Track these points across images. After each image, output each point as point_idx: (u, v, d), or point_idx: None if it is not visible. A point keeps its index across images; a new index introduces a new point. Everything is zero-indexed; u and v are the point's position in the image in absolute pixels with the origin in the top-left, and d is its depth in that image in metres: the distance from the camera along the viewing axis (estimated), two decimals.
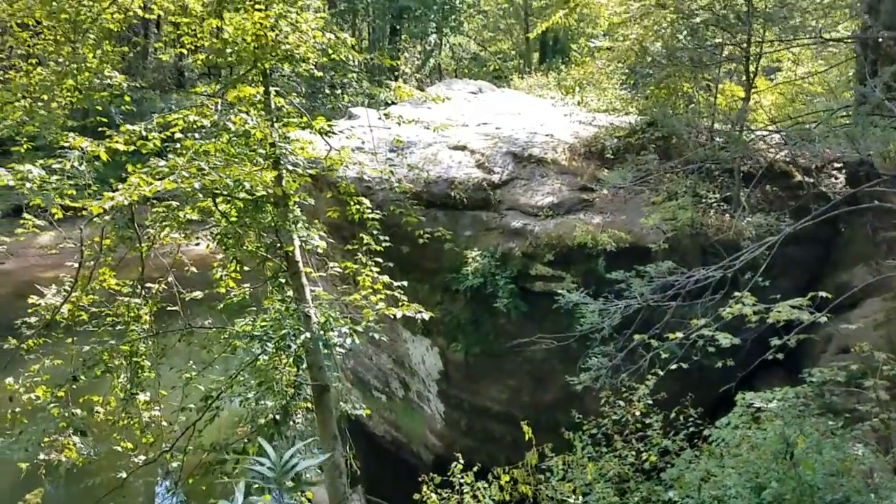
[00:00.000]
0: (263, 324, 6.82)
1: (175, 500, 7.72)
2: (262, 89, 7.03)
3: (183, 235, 7.50)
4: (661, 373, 6.07)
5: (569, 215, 9.58)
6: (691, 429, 6.08)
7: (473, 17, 34.65)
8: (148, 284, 7.44)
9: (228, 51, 6.78)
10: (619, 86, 11.91)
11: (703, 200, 8.94)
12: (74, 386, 6.79)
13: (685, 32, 9.91)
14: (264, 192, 6.67)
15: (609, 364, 6.63)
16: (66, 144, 6.00)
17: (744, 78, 9.34)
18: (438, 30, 32.25)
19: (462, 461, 6.14)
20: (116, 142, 5.91)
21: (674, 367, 5.93)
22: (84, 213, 5.69)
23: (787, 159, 10.05)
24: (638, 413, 6.12)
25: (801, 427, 4.91)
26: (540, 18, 23.64)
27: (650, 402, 6.24)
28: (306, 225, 7.13)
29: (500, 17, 34.74)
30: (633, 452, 5.95)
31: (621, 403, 6.28)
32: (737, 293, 5.47)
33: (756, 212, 8.79)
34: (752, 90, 9.40)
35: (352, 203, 7.41)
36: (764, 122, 10.00)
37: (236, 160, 6.45)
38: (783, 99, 10.71)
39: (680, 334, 5.74)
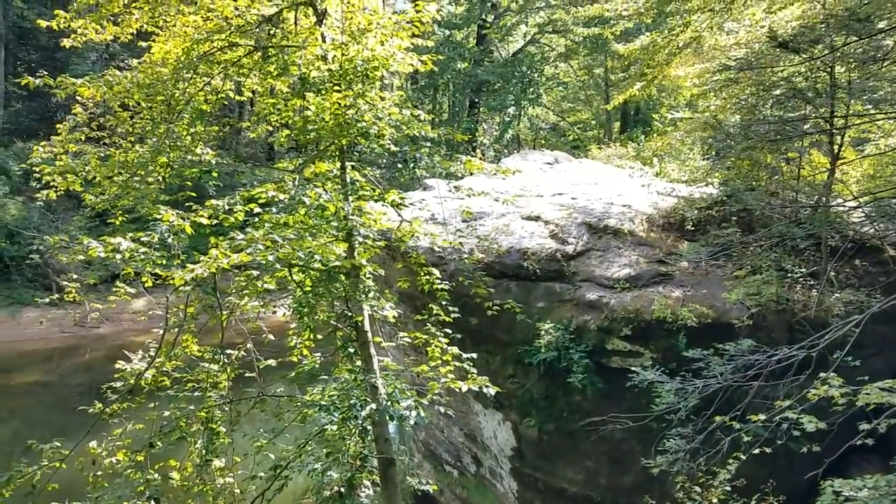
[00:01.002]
0: (331, 394, 6.86)
1: None
2: (338, 164, 7.29)
3: (261, 304, 7.72)
4: (743, 457, 5.70)
5: (647, 288, 9.33)
6: None
7: (552, 88, 35.16)
8: (228, 351, 7.65)
9: (309, 128, 7.11)
10: (700, 157, 11.72)
11: (789, 275, 8.55)
12: (153, 450, 6.97)
13: (769, 104, 9.72)
14: (337, 263, 6.83)
15: (686, 447, 6.29)
16: (157, 217, 6.36)
17: (831, 149, 9.03)
18: (517, 102, 32.87)
19: None
20: (201, 216, 6.23)
21: (756, 451, 5.57)
22: (172, 281, 5.97)
23: (878, 234, 9.55)
24: (716, 501, 5.74)
25: None
26: (619, 90, 23.76)
27: (728, 488, 5.85)
28: (377, 295, 7.22)
29: (579, 89, 35.15)
30: None
31: (698, 489, 5.92)
32: (822, 374, 5.13)
33: (845, 287, 8.33)
34: (839, 162, 9.05)
35: (422, 273, 7.48)
36: (852, 194, 9.58)
37: (312, 232, 6.68)
38: (873, 171, 10.25)
39: (763, 416, 5.41)
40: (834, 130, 8.82)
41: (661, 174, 11.75)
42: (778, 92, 9.07)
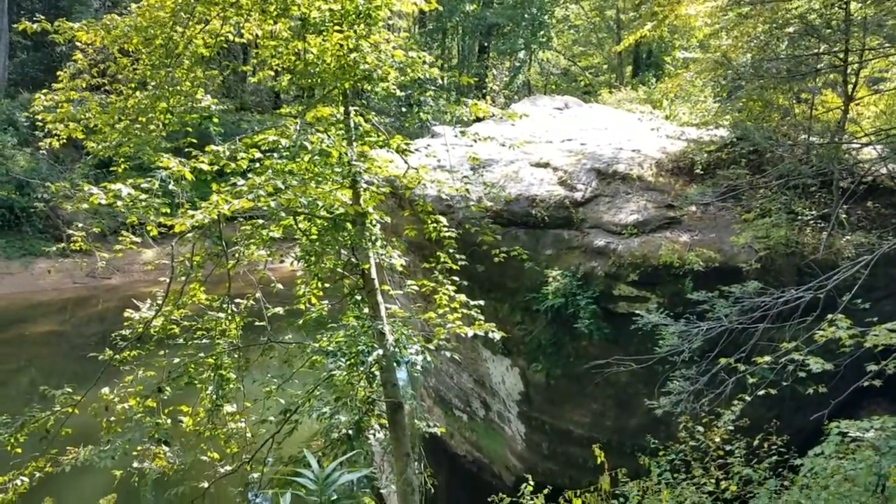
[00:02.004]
0: (339, 340, 6.91)
1: None
2: (342, 109, 7.17)
3: (268, 253, 7.71)
4: (748, 398, 5.72)
5: (654, 234, 9.25)
6: (775, 458, 5.69)
7: (563, 32, 34.40)
8: (237, 300, 7.69)
9: (311, 72, 6.97)
10: (712, 98, 11.47)
11: (799, 218, 8.42)
12: (165, 397, 7.06)
13: (782, 42, 9.44)
14: (342, 211, 6.78)
15: (690, 388, 6.31)
16: (160, 165, 6.31)
17: (844, 88, 8.79)
18: (527, 46, 32.19)
19: (541, 485, 5.99)
20: (201, 162, 6.16)
21: (761, 393, 5.58)
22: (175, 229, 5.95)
23: (891, 174, 9.37)
24: (718, 439, 5.78)
25: None
26: (630, 31, 23.23)
27: (732, 428, 5.88)
28: (384, 243, 7.19)
29: (591, 32, 34.38)
30: (713, 481, 5.62)
31: (700, 429, 5.96)
32: (830, 316, 5.09)
33: (856, 229, 8.21)
34: (853, 101, 8.81)
35: (429, 221, 7.42)
36: (865, 133, 9.36)
37: (318, 179, 6.61)
38: (887, 110, 10.00)
39: (768, 358, 5.40)
40: (848, 68, 8.57)
41: (671, 117, 11.53)
42: (791, 29, 8.80)
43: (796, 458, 5.64)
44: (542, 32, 31.24)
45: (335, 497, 3.69)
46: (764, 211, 8.62)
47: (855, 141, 8.97)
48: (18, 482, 6.21)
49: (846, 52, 8.51)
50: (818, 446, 5.42)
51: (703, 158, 9.90)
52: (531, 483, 5.94)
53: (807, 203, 8.72)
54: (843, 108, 8.88)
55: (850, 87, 8.75)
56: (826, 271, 6.90)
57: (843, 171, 8.67)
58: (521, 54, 33.29)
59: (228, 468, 7.38)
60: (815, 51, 9.20)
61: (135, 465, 7.07)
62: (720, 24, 9.56)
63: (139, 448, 7.06)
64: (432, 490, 7.64)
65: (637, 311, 7.90)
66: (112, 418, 6.93)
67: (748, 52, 9.45)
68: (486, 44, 32.96)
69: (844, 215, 8.49)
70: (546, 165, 10.69)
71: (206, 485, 7.07)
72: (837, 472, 5.05)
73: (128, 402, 6.97)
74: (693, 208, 9.28)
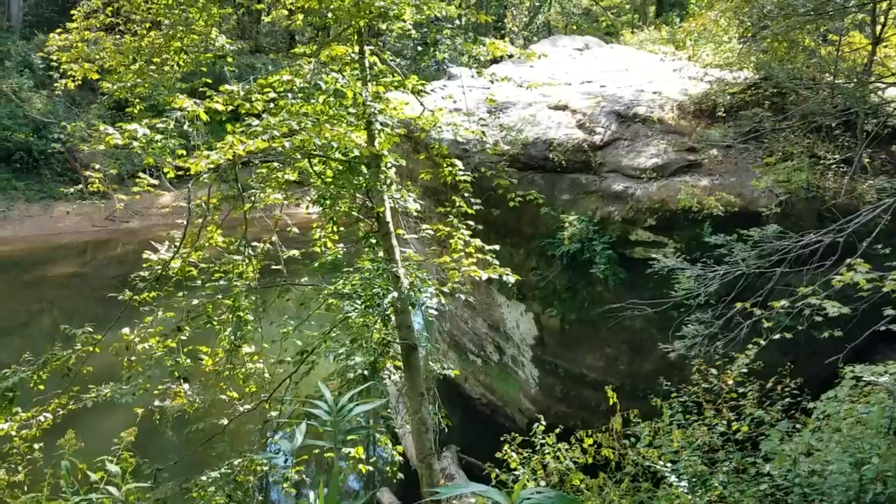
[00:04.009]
0: (354, 283, 6.95)
1: (274, 447, 8.10)
2: (357, 48, 7.05)
3: (283, 196, 7.71)
4: (763, 342, 5.71)
5: (674, 178, 9.11)
6: (787, 401, 5.72)
7: None
8: (254, 243, 7.73)
9: (324, 9, 6.83)
10: (736, 39, 11.13)
11: (821, 162, 8.25)
12: (184, 337, 7.18)
13: None
14: (357, 154, 6.73)
15: (705, 332, 6.30)
16: (175, 106, 6.26)
17: (873, 29, 8.49)
18: None
19: (554, 426, 6.07)
20: (216, 102, 6.10)
21: (777, 337, 5.56)
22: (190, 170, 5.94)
23: None
24: (731, 382, 5.80)
25: None
26: None
27: (745, 371, 5.90)
28: (398, 186, 7.15)
29: None
30: (725, 422, 5.67)
31: (714, 372, 5.98)
32: (849, 260, 5.03)
33: (879, 174, 8.04)
34: (881, 43, 8.52)
35: (444, 165, 7.36)
36: (892, 74, 9.07)
37: (332, 121, 6.54)
38: None
39: (784, 302, 5.36)
40: (877, 8, 8.26)
41: (694, 58, 11.23)
42: None
43: (809, 401, 5.67)
44: None
45: (349, 427, 3.76)
46: (786, 154, 8.45)
47: (881, 82, 8.70)
48: (42, 418, 6.40)
49: None
50: (832, 390, 5.43)
51: (726, 100, 9.67)
52: (543, 423, 6.02)
53: (829, 146, 8.54)
54: (870, 49, 8.59)
55: (878, 27, 8.45)
56: (846, 216, 6.79)
57: (867, 113, 8.44)
58: None
59: (247, 406, 7.54)
60: None
61: (155, 403, 7.23)
62: None
63: (160, 386, 7.22)
64: (446, 430, 7.78)
65: (654, 257, 7.85)
66: (132, 357, 7.06)
67: None
68: None
69: (867, 159, 8.31)
70: (564, 108, 10.51)
71: (225, 422, 7.24)
72: (850, 415, 5.07)
73: (148, 341, 7.09)
74: (714, 151, 9.12)
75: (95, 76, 7.53)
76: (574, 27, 33.77)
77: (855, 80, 8.48)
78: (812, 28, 8.98)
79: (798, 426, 5.55)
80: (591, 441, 5.57)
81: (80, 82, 7.84)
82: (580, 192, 9.64)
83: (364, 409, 4.01)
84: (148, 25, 8.02)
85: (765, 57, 9.54)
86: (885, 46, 9.54)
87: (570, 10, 35.77)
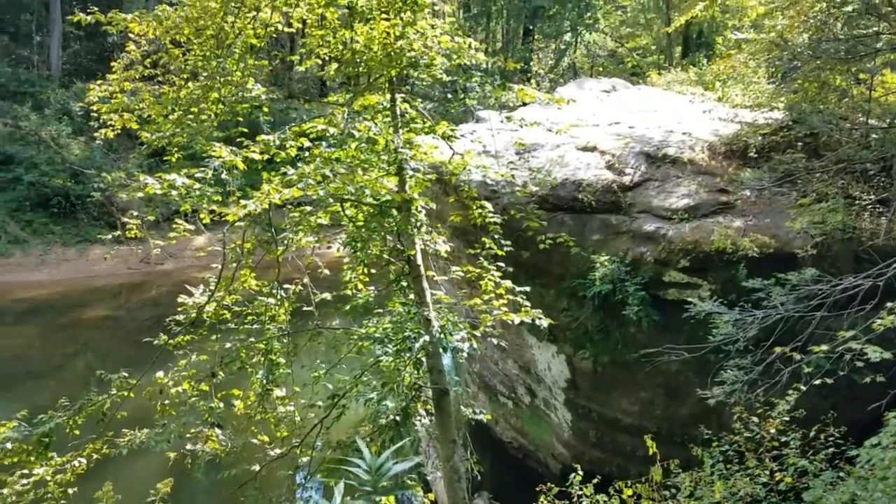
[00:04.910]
0: (386, 326, 6.95)
1: (304, 494, 8.03)
2: (388, 96, 7.18)
3: (316, 239, 7.78)
4: (804, 388, 5.57)
5: (706, 219, 9.04)
6: (832, 449, 5.55)
7: (610, 13, 33.76)
8: (286, 286, 7.79)
9: (358, 60, 6.98)
10: (766, 80, 11.12)
11: (857, 202, 8.13)
12: (216, 381, 7.21)
13: (841, 22, 9.08)
14: (388, 198, 6.80)
15: (745, 378, 6.17)
16: (212, 154, 6.41)
17: None
18: (573, 28, 31.71)
19: (589, 473, 5.95)
20: (253, 151, 6.24)
21: (817, 382, 5.43)
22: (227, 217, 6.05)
23: None
24: (773, 430, 5.65)
25: None
26: (681, 12, 22.64)
27: (787, 419, 5.75)
28: (429, 229, 7.19)
29: (639, 12, 33.64)
30: (767, 472, 5.50)
31: (755, 420, 5.83)
32: (889, 304, 4.92)
33: None
34: None
35: (474, 207, 7.39)
36: None
37: (363, 167, 6.64)
38: None
39: (825, 347, 5.24)
40: None
41: (723, 99, 11.22)
42: (849, 8, 8.44)
43: (853, 449, 5.50)
44: (588, 14, 30.75)
45: (387, 487, 3.71)
46: (820, 195, 8.35)
47: None
48: (76, 463, 6.43)
49: None
50: (875, 437, 5.27)
51: (758, 141, 9.62)
52: (580, 473, 5.90)
53: (865, 187, 8.42)
54: None
55: None
56: (885, 258, 6.66)
57: None
58: (567, 37, 32.83)
59: (279, 451, 7.50)
60: (875, 30, 8.84)
61: (188, 447, 7.23)
62: (775, 3, 9.24)
63: (192, 431, 7.23)
64: (478, 476, 7.66)
65: (688, 298, 7.75)
66: (166, 402, 7.09)
67: (804, 32, 9.13)
68: (531, 27, 32.59)
69: None
70: (593, 149, 10.54)
71: (257, 467, 7.21)
72: (895, 464, 4.91)
73: (181, 385, 7.12)
74: (747, 193, 9.04)
75: (135, 126, 7.73)
76: (600, 69, 34.04)
77: (889, 122, 8.39)
78: (843, 69, 8.94)
79: (842, 475, 5.38)
80: (630, 492, 5.44)
81: (118, 131, 8.07)
82: (610, 233, 9.60)
83: (403, 467, 3.97)
84: (186, 76, 8.25)
85: (795, 97, 9.50)
86: None
87: (596, 52, 36.12)
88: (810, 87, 9.28)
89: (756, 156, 9.54)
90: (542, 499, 5.72)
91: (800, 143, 9.20)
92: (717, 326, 6.76)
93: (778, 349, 5.73)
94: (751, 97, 10.56)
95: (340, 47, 7.39)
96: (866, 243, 7.87)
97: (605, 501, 5.48)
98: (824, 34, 8.85)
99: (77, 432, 6.43)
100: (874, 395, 5.82)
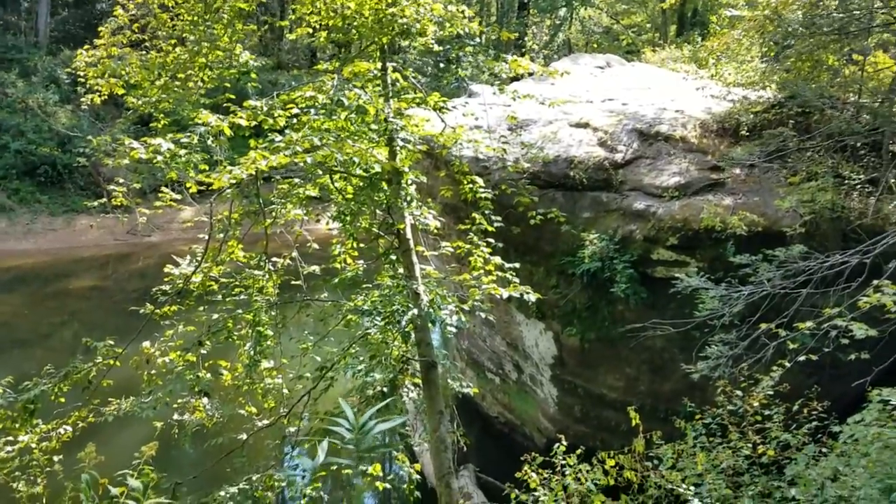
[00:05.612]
0: (374, 299, 6.93)
1: (293, 463, 8.06)
2: (379, 65, 7.08)
3: (304, 212, 7.73)
4: (788, 364, 5.61)
5: (696, 196, 9.03)
6: (814, 424, 5.60)
7: None
8: (274, 258, 7.75)
9: (347, 26, 6.87)
10: (759, 58, 11.06)
11: (846, 182, 8.14)
12: (204, 352, 7.18)
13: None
14: (378, 169, 6.73)
15: (729, 353, 6.20)
16: (198, 121, 6.32)
17: None
18: (568, 3, 31.42)
19: (573, 446, 5.99)
20: (240, 117, 6.14)
21: (802, 358, 5.46)
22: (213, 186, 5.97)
23: None
24: (756, 404, 5.69)
25: None
26: None
27: (770, 393, 5.80)
28: (419, 203, 7.14)
29: None
30: (750, 445, 5.56)
31: (739, 394, 5.88)
32: (875, 281, 4.94)
33: None
34: None
35: (465, 182, 7.34)
36: None
37: (354, 137, 6.56)
38: None
39: (810, 323, 5.27)
40: None
41: (716, 77, 11.17)
42: None
43: (836, 424, 5.55)
44: None
45: (370, 446, 3.73)
46: (810, 174, 8.35)
47: None
48: (62, 431, 6.42)
49: None
50: (859, 413, 5.32)
51: (750, 119, 9.59)
52: (564, 444, 5.94)
53: (855, 167, 8.42)
54: (895, 69, 8.49)
55: None
56: (872, 237, 6.69)
57: (893, 133, 8.33)
58: (562, 12, 32.58)
59: (266, 422, 7.52)
60: (868, 8, 8.79)
61: (175, 416, 7.23)
62: None
63: (179, 400, 7.22)
64: (465, 448, 7.69)
65: (676, 276, 7.77)
66: (153, 371, 7.07)
67: (799, 10, 9.06)
68: (525, 1, 32.23)
69: (894, 180, 8.19)
70: (586, 126, 10.48)
71: (244, 437, 7.22)
72: (878, 440, 4.96)
73: (168, 355, 7.10)
74: (737, 171, 9.03)
75: (121, 91, 7.61)
76: (595, 45, 33.80)
77: (881, 99, 8.37)
78: (836, 48, 8.90)
79: (825, 450, 5.43)
80: (612, 462, 5.47)
81: (105, 97, 7.94)
82: (601, 211, 9.59)
83: (385, 427, 3.98)
84: (174, 42, 8.11)
85: (788, 76, 9.47)
86: None
87: (591, 29, 35.85)
88: (803, 66, 9.24)
89: (748, 134, 9.51)
90: (525, 467, 5.75)
91: (791, 121, 9.18)
92: (703, 302, 6.79)
93: (763, 325, 5.76)
94: (744, 75, 10.51)
95: (331, 13, 7.28)
96: (855, 222, 7.89)
97: (587, 471, 5.52)
98: (819, 10, 8.79)
99: (62, 400, 6.40)
100: (859, 372, 5.87)
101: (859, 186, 8.19)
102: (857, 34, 8.68)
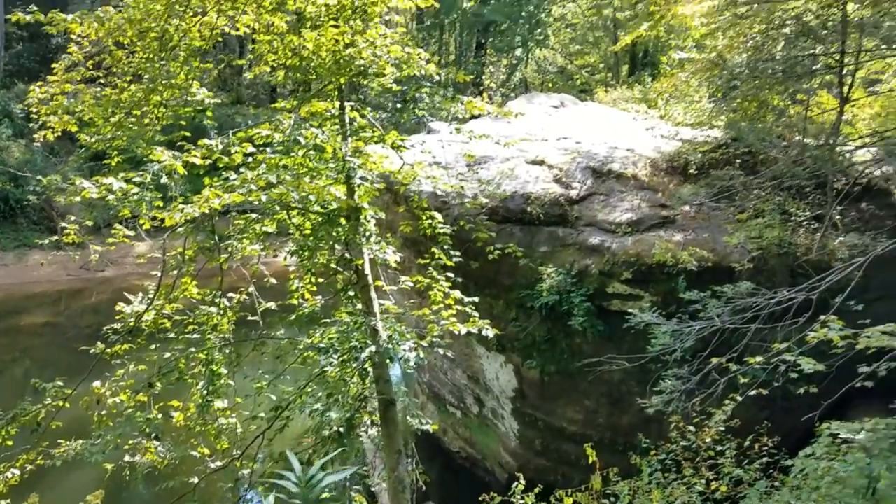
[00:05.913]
0: (332, 336, 6.89)
1: None
2: (337, 104, 7.14)
3: (262, 247, 7.67)
4: (739, 398, 5.73)
5: (648, 232, 9.26)
6: (766, 459, 5.71)
7: (560, 30, 34.34)
8: (230, 294, 7.65)
9: (305, 66, 6.93)
10: (707, 98, 11.46)
11: (793, 218, 8.44)
12: (156, 391, 7.03)
13: (780, 43, 9.43)
14: (336, 206, 6.75)
15: (682, 388, 6.31)
16: (152, 159, 6.27)
17: (840, 89, 8.80)
18: (524, 44, 32.14)
19: (533, 481, 5.99)
20: (194, 155, 6.12)
21: (753, 393, 5.58)
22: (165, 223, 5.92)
23: (885, 176, 9.38)
24: (709, 440, 5.79)
25: (889, 461, 4.51)
26: (627, 31, 23.17)
27: (723, 428, 5.90)
28: (378, 239, 7.16)
29: (588, 30, 34.30)
30: (703, 481, 5.63)
31: (692, 429, 5.97)
32: (822, 317, 5.09)
33: (850, 231, 8.22)
34: (848, 103, 8.82)
35: (424, 217, 7.40)
36: (860, 135, 9.37)
37: (312, 174, 6.58)
38: (882, 112, 10.01)
39: (760, 358, 5.40)
40: (844, 70, 8.58)
41: (666, 117, 11.53)
42: (787, 30, 8.79)
43: (787, 459, 5.65)
44: (539, 30, 31.22)
45: (321, 496, 3.67)
46: (757, 211, 8.63)
47: (850, 143, 8.99)
48: (9, 475, 6.18)
49: (842, 54, 8.53)
50: (809, 447, 5.43)
51: (697, 158, 9.91)
52: (522, 482, 5.93)
53: (801, 204, 8.74)
54: (838, 109, 8.88)
55: (845, 88, 8.76)
56: (819, 272, 6.91)
57: (837, 172, 8.68)
58: (518, 52, 33.25)
59: (219, 464, 7.35)
60: (812, 52, 9.20)
61: (126, 458, 7.03)
62: (716, 24, 9.56)
63: (130, 442, 7.02)
64: (423, 487, 7.63)
65: (630, 310, 7.91)
66: (103, 412, 6.88)
67: (744, 53, 9.46)
68: (483, 41, 32.92)
69: (838, 216, 8.52)
70: (542, 163, 10.69)
71: (196, 480, 7.04)
72: (828, 474, 5.06)
73: (119, 396, 6.92)
74: (687, 208, 9.29)
75: (74, 128, 7.52)
76: (550, 84, 34.56)
77: (823, 140, 8.74)
78: (781, 89, 9.28)
79: (776, 485, 5.53)
80: (570, 501, 5.49)
81: (59, 133, 7.83)
82: (558, 245, 9.73)
83: (335, 479, 3.92)
84: (129, 79, 8.06)
85: (735, 116, 9.82)
86: (853, 106, 9.86)
87: (546, 69, 36.66)
88: (749, 107, 9.61)
89: (696, 172, 9.82)
90: None
91: (738, 161, 9.51)
92: (656, 337, 6.91)
93: (714, 360, 5.88)
94: (692, 115, 10.88)
95: (289, 53, 7.34)
96: (801, 258, 8.15)
97: None
98: (762, 55, 9.17)
99: (10, 443, 6.20)
100: (808, 406, 6.00)
101: (805, 223, 8.49)
102: (801, 76, 9.06)
